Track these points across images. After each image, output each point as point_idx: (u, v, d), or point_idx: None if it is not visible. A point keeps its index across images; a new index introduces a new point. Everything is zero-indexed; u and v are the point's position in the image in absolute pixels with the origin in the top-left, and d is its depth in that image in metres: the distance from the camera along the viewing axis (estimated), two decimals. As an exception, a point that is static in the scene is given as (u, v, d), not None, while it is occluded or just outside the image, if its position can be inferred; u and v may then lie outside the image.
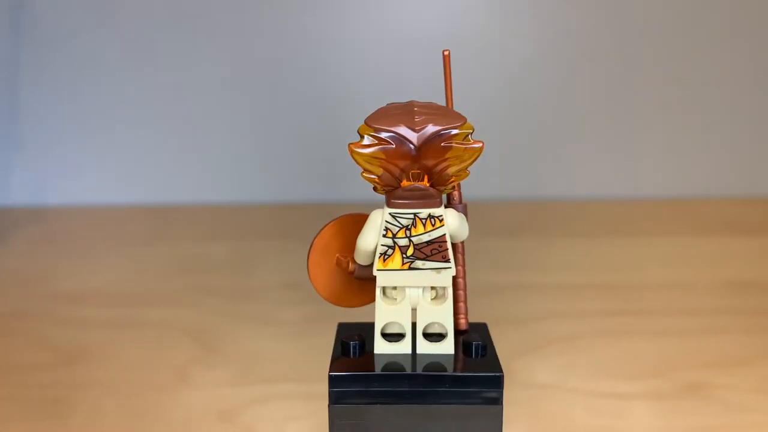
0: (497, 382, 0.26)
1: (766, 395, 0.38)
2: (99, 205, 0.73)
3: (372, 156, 0.25)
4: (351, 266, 0.28)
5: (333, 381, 0.26)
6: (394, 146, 0.25)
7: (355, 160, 0.25)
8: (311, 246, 0.28)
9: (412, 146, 0.25)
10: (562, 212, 0.71)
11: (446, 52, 0.28)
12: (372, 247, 0.26)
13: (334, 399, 0.26)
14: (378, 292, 0.27)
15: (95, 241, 0.64)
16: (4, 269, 0.57)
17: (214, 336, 0.45)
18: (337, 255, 0.28)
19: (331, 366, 0.27)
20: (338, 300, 0.29)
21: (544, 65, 0.74)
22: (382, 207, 0.27)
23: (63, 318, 0.48)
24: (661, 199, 0.75)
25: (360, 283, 0.28)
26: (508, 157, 0.75)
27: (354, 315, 0.29)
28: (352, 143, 0.25)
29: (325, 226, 0.28)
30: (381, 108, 0.26)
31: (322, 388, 0.36)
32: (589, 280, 0.54)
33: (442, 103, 0.28)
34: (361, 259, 0.27)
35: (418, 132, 0.25)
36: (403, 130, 0.25)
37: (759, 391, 0.38)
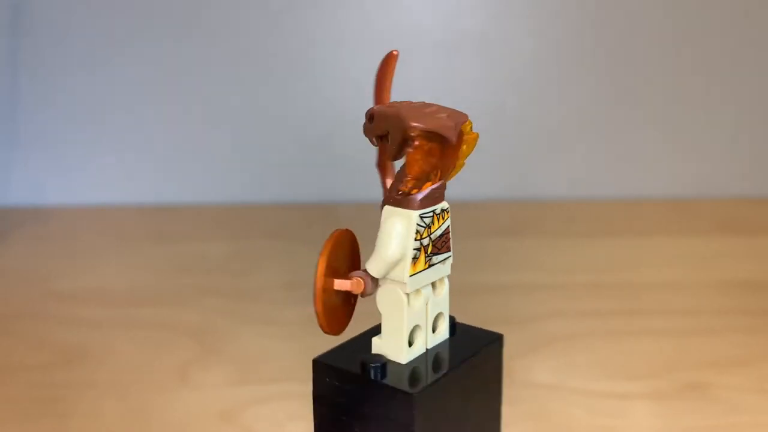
0: (496, 338, 0.28)
1: (766, 395, 0.38)
2: (99, 205, 0.73)
3: (429, 155, 0.25)
4: (362, 287, 0.26)
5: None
6: (440, 144, 0.25)
7: (417, 162, 0.25)
8: (317, 281, 0.25)
9: (451, 142, 0.25)
10: (562, 212, 0.71)
11: (395, 53, 0.28)
12: (399, 256, 0.25)
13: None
14: (405, 299, 0.26)
15: (95, 241, 0.64)
16: (4, 269, 0.57)
17: (214, 336, 0.45)
18: (337, 280, 0.26)
19: (413, 402, 0.24)
20: (339, 328, 0.27)
21: (544, 65, 0.74)
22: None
23: (63, 318, 0.48)
24: (661, 199, 0.75)
25: (341, 307, 0.26)
26: (508, 157, 0.75)
27: (326, 343, 0.28)
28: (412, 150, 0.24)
29: (322, 256, 0.25)
30: (403, 108, 0.25)
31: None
32: (589, 280, 0.54)
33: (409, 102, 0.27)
34: (383, 272, 0.25)
35: (456, 128, 0.25)
36: (449, 128, 0.24)
37: (759, 391, 0.38)
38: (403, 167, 0.25)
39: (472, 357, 0.27)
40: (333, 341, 0.28)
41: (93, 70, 0.72)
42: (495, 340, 0.29)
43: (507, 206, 0.73)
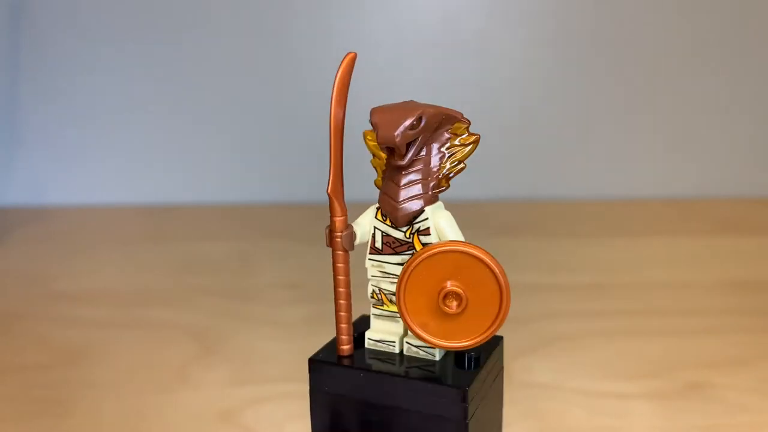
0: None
1: (766, 395, 0.38)
2: (99, 205, 0.73)
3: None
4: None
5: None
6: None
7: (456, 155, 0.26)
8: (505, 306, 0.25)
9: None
10: (562, 212, 0.71)
11: (352, 54, 0.27)
12: None
13: None
14: None
15: (95, 241, 0.64)
16: (4, 269, 0.57)
17: (214, 336, 0.45)
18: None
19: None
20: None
21: (543, 66, 0.74)
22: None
23: (63, 318, 0.48)
24: (661, 199, 0.75)
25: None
26: (508, 157, 0.75)
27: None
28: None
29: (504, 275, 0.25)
30: (434, 106, 0.25)
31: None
32: (589, 280, 0.54)
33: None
34: None
35: None
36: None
37: (759, 391, 0.38)
38: (410, 167, 0.26)
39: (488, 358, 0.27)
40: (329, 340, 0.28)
41: (93, 70, 0.72)
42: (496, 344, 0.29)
43: (507, 206, 0.73)
